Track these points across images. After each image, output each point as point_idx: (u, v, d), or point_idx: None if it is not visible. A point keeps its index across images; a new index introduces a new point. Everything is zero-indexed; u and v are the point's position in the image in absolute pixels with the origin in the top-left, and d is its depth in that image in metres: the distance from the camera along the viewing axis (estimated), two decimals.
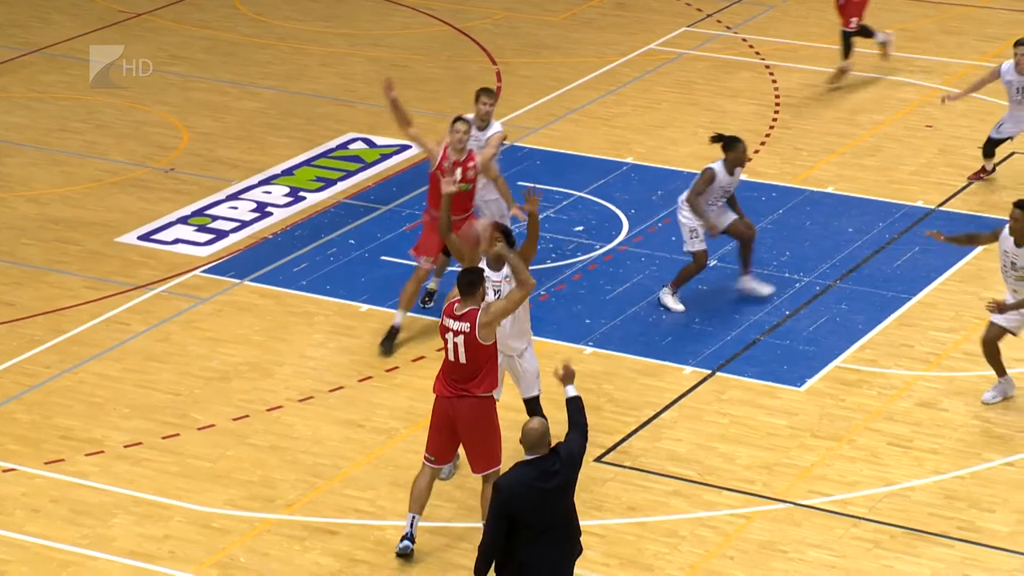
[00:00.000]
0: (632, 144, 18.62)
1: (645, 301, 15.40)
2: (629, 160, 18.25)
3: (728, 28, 21.90)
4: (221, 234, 16.74)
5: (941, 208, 17.00)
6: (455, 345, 11.47)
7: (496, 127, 15.23)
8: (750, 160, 16.85)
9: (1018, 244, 13.26)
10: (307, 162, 18.33)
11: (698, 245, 15.22)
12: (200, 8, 22.94)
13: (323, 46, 21.68)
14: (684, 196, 15.19)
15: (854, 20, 19.53)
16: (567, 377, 10.46)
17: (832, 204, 17.19)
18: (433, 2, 23.01)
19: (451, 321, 11.51)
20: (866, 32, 19.70)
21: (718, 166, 15.17)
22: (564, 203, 17.25)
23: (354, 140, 18.89)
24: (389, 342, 14.61)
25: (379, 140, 18.83)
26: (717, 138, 15.24)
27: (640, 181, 17.77)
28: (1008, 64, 17.04)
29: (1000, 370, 13.62)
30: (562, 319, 15.06)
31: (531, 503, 9.87)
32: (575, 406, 10.32)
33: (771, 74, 20.42)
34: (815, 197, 17.35)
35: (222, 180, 17.90)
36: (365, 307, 15.34)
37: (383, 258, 16.21)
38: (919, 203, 17.10)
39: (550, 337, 14.72)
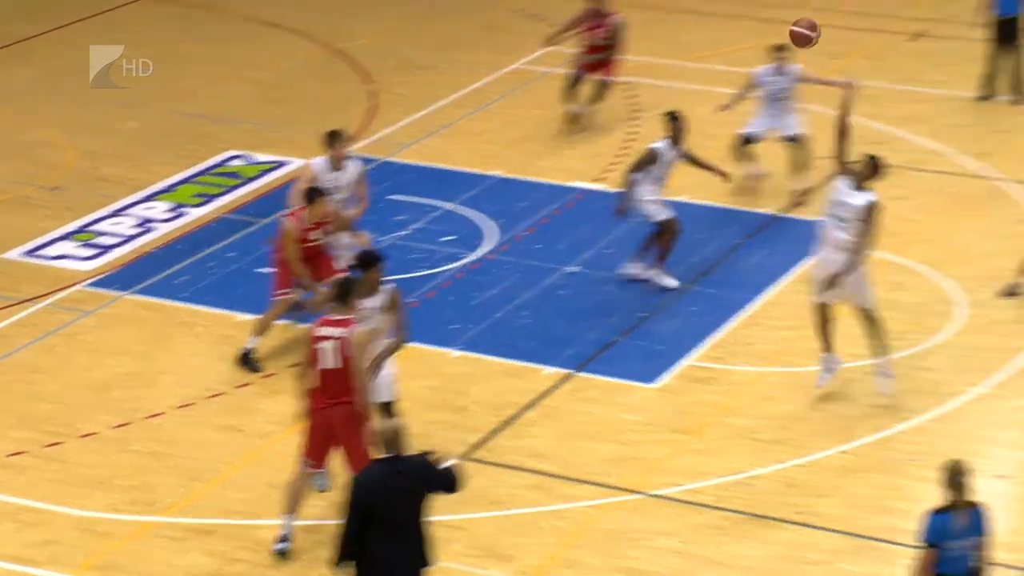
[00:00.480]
0: (499, 158, 18.61)
1: (511, 306, 15.39)
2: (496, 173, 18.24)
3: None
4: (105, 249, 16.52)
5: (787, 215, 17.11)
6: (328, 352, 11.37)
7: (353, 167, 14.86)
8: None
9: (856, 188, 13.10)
10: (188, 179, 18.16)
11: (665, 214, 15.23)
12: (84, 33, 22.64)
13: (204, 67, 21.48)
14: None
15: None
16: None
17: (685, 212, 17.21)
18: (311, 25, 22.88)
19: (326, 329, 11.41)
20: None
21: (661, 144, 15.48)
22: (435, 215, 17.21)
23: (234, 157, 18.74)
24: (249, 364, 14.37)
25: (258, 157, 18.70)
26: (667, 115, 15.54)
27: (506, 193, 17.76)
28: (765, 67, 17.17)
29: (824, 345, 13.60)
30: (431, 325, 15.00)
31: (383, 498, 9.81)
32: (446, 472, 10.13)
33: (629, 89, 20.47)
34: (670, 205, 17.36)
35: (106, 197, 17.68)
36: (243, 317, 15.20)
37: (260, 270, 16.08)
38: (767, 210, 17.22)
39: (420, 342, 14.64)
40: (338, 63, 21.68)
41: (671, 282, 15.58)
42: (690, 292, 15.60)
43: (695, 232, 16.73)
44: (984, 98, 19.80)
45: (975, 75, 20.14)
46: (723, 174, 16.20)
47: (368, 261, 12.23)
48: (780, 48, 17.21)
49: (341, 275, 12.31)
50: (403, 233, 16.76)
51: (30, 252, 16.51)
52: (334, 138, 14.82)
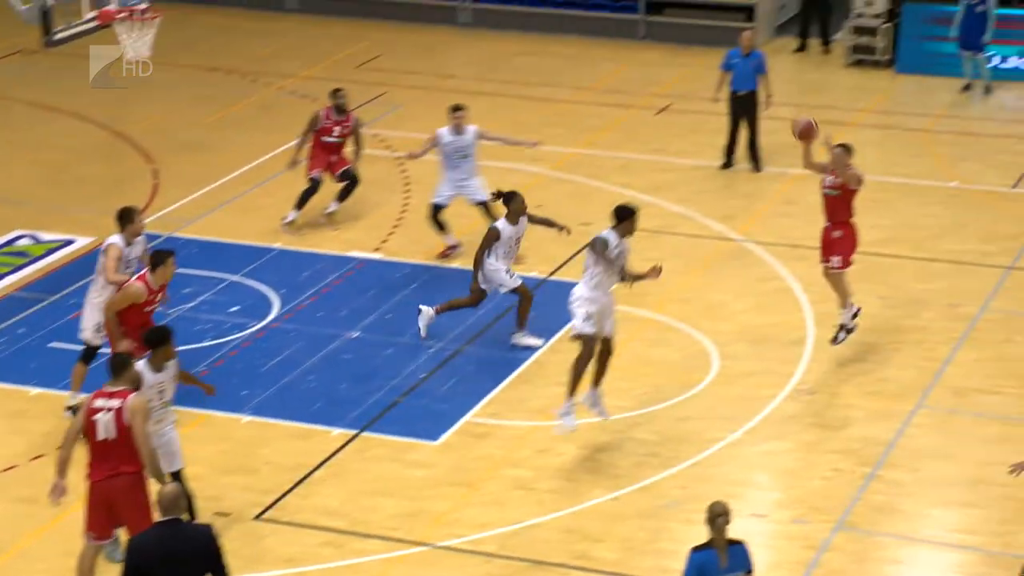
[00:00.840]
0: (280, 231, 18.59)
1: (297, 371, 15.40)
2: (277, 245, 18.23)
3: (363, 124, 22.04)
4: None
5: (552, 278, 17.43)
6: (104, 423, 11.25)
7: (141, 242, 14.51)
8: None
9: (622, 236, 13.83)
10: None
11: (515, 282, 15.64)
12: None
13: None
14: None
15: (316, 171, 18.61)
16: None
17: (459, 278, 17.39)
18: (91, 109, 22.59)
19: (100, 400, 11.30)
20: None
21: (501, 223, 15.59)
22: (220, 287, 17.13)
23: (21, 237, 18.40)
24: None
25: (44, 236, 18.39)
26: (497, 195, 15.62)
27: (288, 264, 17.76)
28: (445, 129, 17.54)
29: (571, 390, 13.80)
30: (221, 392, 14.84)
31: (159, 563, 9.68)
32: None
33: (401, 167, 20.67)
34: (443, 272, 17.60)
35: None
36: (35, 391, 14.93)
37: (51, 345, 15.81)
38: (533, 274, 17.51)
39: (211, 409, 14.57)
40: (119, 145, 21.46)
41: (533, 341, 15.81)
42: (466, 353, 15.79)
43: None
44: (725, 166, 20.46)
45: (717, 145, 20.83)
46: (564, 228, 16.33)
47: (157, 339, 12.09)
48: (456, 108, 17.51)
49: (118, 351, 12.13)
50: (191, 305, 16.65)
51: None
52: (126, 216, 14.45)
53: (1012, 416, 14.50)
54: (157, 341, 12.03)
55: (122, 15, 19.09)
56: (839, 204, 15.22)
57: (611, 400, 14.35)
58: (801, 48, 25.07)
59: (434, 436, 14.31)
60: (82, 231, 18.42)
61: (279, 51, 25.47)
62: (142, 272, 13.82)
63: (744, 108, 20.14)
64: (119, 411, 11.24)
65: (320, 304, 16.82)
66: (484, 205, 17.65)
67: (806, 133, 14.93)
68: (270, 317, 16.50)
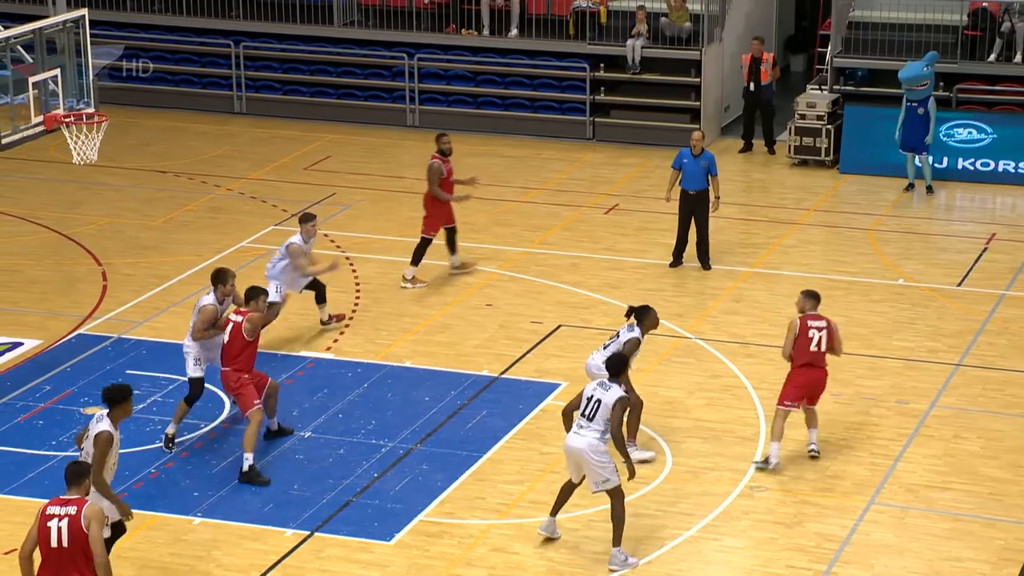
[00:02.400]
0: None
1: None
2: None
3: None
4: None
5: (504, 376, 17.49)
6: (58, 530, 11.16)
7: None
8: None
9: None
10: None
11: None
12: None
13: None
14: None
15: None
16: None
17: (410, 377, 17.50)
18: (40, 212, 22.57)
19: (56, 508, 11.26)
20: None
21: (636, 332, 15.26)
22: (171, 388, 17.05)
23: None
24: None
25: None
26: (630, 311, 15.43)
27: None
28: (297, 236, 18.00)
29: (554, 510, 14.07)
30: (172, 494, 14.83)
31: None
32: None
33: (351, 264, 20.74)
34: (395, 371, 17.63)
35: None
36: None
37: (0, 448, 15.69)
38: (484, 372, 17.57)
39: (161, 511, 14.46)
40: (68, 247, 21.41)
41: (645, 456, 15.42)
42: (418, 451, 15.77)
43: (421, 394, 16.97)
44: (675, 265, 20.62)
45: (665, 244, 21.03)
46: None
47: (120, 396, 12.65)
48: (305, 218, 18.02)
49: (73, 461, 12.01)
50: (141, 406, 16.55)
51: None
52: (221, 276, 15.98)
53: (963, 512, 14.60)
54: (120, 398, 12.61)
55: (69, 119, 19.16)
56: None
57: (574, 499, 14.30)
58: (746, 148, 25.41)
59: (388, 536, 14.25)
60: (30, 333, 18.33)
61: (228, 153, 25.58)
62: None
63: (694, 207, 20.36)
64: (74, 519, 11.19)
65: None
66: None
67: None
68: (221, 417, 16.43)
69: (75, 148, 19.33)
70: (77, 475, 11.43)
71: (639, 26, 25.81)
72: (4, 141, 18.83)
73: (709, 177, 20.25)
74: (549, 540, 14.07)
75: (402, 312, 19.19)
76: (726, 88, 26.25)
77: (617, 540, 13.71)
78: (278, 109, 27.34)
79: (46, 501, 11.48)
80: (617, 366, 13.95)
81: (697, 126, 25.49)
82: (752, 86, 25.05)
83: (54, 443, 15.85)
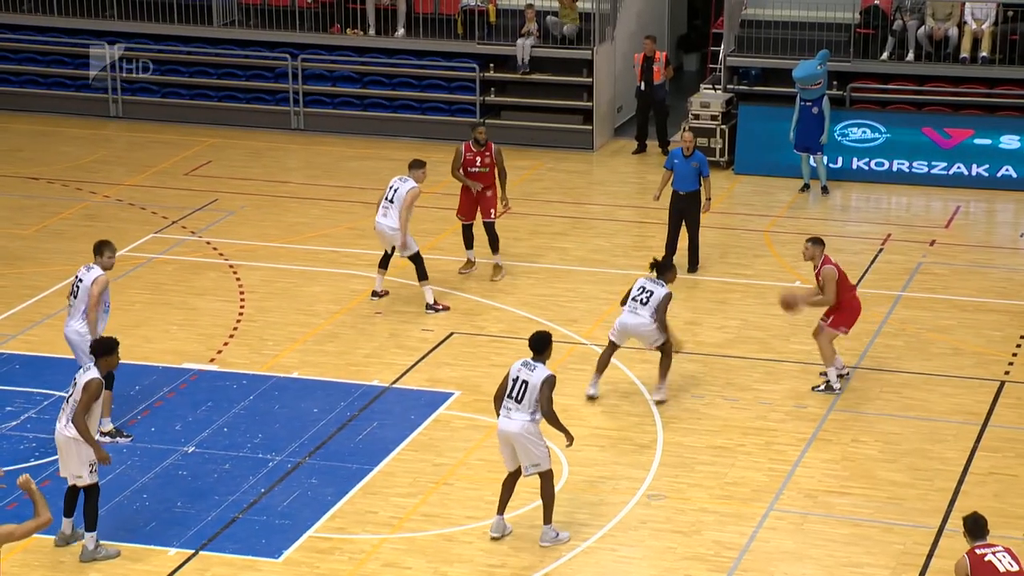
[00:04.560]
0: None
1: (130, 489, 15.18)
2: None
3: (192, 233, 21.99)
4: None
5: (395, 385, 17.45)
6: None
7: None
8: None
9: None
10: None
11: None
12: None
13: None
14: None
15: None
16: None
17: (298, 388, 17.41)
18: None
19: None
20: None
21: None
22: (45, 403, 16.83)
23: None
24: None
25: None
26: (654, 265, 17.06)
27: (118, 377, 17.46)
28: (413, 182, 19.18)
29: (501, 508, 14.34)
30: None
31: None
32: None
33: (235, 272, 20.59)
34: (282, 383, 17.52)
35: None
36: None
37: None
38: (375, 382, 17.52)
39: (37, 533, 14.24)
40: None
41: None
42: (307, 465, 15.69)
43: (310, 406, 16.89)
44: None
45: (559, 248, 21.06)
46: None
47: (104, 349, 14.31)
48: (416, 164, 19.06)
49: None
50: (14, 423, 16.31)
51: None
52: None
53: (862, 517, 14.80)
54: (106, 351, 14.28)
55: None
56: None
57: (460, 509, 14.34)
58: (640, 149, 25.58)
59: (276, 553, 14.16)
60: None
61: (104, 158, 25.29)
62: None
63: (684, 209, 20.37)
64: None
65: (152, 419, 16.62)
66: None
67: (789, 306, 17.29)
68: (100, 433, 16.21)
69: None
70: None
71: (529, 25, 25.90)
72: None
73: (700, 178, 20.30)
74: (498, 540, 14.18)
75: (289, 321, 19.08)
76: (618, 88, 26.42)
77: (548, 518, 14.15)
78: (155, 112, 27.08)
79: None
80: (540, 344, 14.28)
81: (589, 126, 25.71)
82: (645, 86, 25.23)
83: None
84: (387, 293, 19.71)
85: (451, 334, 18.75)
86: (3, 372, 17.55)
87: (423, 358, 18.11)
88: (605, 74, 26.05)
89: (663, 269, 16.99)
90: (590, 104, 25.86)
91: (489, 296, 19.85)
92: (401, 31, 26.68)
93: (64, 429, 14.03)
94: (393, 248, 19.48)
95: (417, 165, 19.56)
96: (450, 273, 20.53)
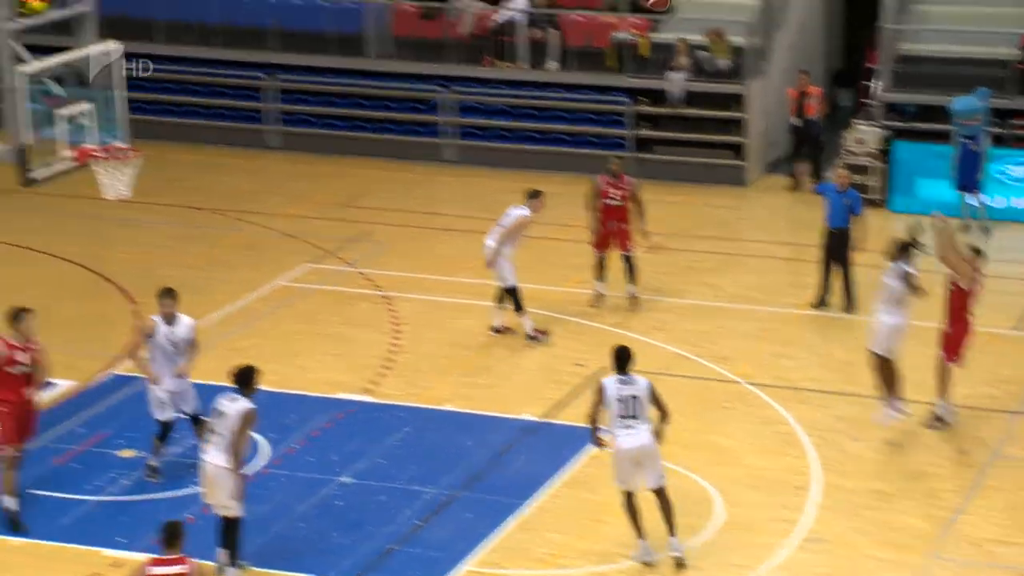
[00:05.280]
0: (267, 373, 18.47)
1: (287, 519, 15.30)
2: (264, 388, 18.11)
3: (347, 264, 22.19)
4: None
5: (546, 420, 17.42)
6: None
7: (186, 319, 16.09)
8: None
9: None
10: None
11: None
12: None
13: None
14: None
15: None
16: None
17: (451, 420, 17.46)
18: (72, 248, 22.62)
19: (159, 568, 11.97)
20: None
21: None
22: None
23: None
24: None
25: None
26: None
27: (276, 407, 17.66)
28: (524, 209, 19.25)
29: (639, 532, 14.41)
30: (209, 542, 14.77)
31: None
32: None
33: (388, 304, 20.73)
34: (436, 415, 17.58)
35: None
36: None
37: (29, 490, 15.65)
38: (526, 416, 17.51)
39: (197, 556, 14.39)
40: (99, 285, 21.45)
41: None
42: (462, 499, 15.71)
43: (463, 438, 16.92)
44: (820, 305, 20.29)
45: (712, 284, 20.95)
46: None
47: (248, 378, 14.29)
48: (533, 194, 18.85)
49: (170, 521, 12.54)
50: (179, 450, 16.54)
51: None
52: (166, 295, 16.15)
53: None
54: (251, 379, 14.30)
55: (101, 154, 19.18)
56: (952, 300, 16.90)
57: (614, 546, 14.25)
58: (794, 186, 25.35)
59: None
60: (62, 374, 18.31)
61: (262, 189, 25.64)
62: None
63: (835, 246, 20.13)
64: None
65: (310, 449, 16.75)
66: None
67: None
68: (259, 464, 16.38)
69: (107, 183, 19.38)
70: (175, 535, 12.18)
71: (680, 59, 25.80)
72: (36, 176, 18.92)
73: (852, 216, 20.06)
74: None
75: (442, 353, 19.16)
76: (771, 123, 26.21)
77: (675, 529, 14.28)
78: (313, 144, 27.40)
79: (145, 558, 12.30)
80: (627, 357, 14.51)
81: (742, 162, 25.55)
82: (799, 121, 25.00)
83: (90, 487, 15.85)
84: (508, 330, 19.52)
85: (602, 369, 18.66)
86: None
87: (575, 392, 18.06)
88: (758, 109, 25.87)
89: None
90: (742, 139, 25.69)
91: (640, 332, 19.75)
92: (553, 64, 26.73)
93: (215, 459, 14.10)
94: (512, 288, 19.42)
95: (533, 195, 19.55)
96: (604, 307, 20.49)
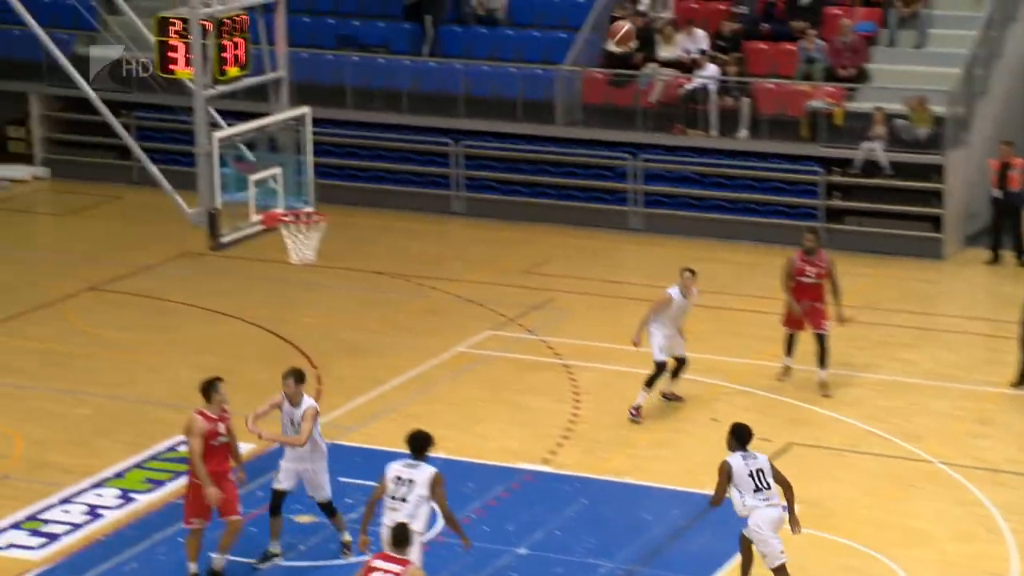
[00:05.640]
0: (444, 440, 18.53)
1: None
2: (441, 455, 18.16)
3: (529, 331, 22.19)
4: (54, 538, 16.24)
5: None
6: None
7: (308, 402, 15.60)
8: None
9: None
10: (137, 464, 18.00)
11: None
12: (33, 323, 22.65)
13: (150, 354, 21.47)
14: None
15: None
16: None
17: (631, 493, 17.27)
18: (256, 312, 23.00)
19: (381, 562, 12.48)
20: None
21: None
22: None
23: (182, 443, 18.53)
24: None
25: None
26: None
27: (451, 474, 17.59)
28: (674, 288, 18.51)
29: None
30: None
31: None
32: None
33: (569, 372, 20.66)
34: (615, 487, 17.41)
35: (54, 485, 17.41)
36: None
37: (211, 554, 15.83)
38: (709, 490, 17.21)
39: None
40: (282, 348, 21.75)
41: None
42: (638, 574, 15.49)
43: (643, 512, 16.72)
44: (1018, 385, 19.79)
45: (907, 360, 20.49)
46: None
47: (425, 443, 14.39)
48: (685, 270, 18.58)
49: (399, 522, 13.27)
50: (354, 515, 16.59)
51: None
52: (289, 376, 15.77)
53: None
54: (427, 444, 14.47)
55: (288, 218, 19.48)
56: None
57: None
58: (994, 260, 24.74)
59: None
60: (244, 437, 18.50)
61: (446, 254, 25.83)
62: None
63: None
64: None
65: (485, 518, 16.69)
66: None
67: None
68: (433, 532, 16.35)
69: (293, 247, 19.67)
70: (402, 539, 12.88)
71: (877, 128, 25.40)
72: (224, 240, 19.27)
73: None
74: None
75: (623, 424, 18.99)
76: (972, 195, 25.63)
77: None
78: (497, 210, 27.55)
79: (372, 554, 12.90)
80: (746, 434, 14.60)
81: (939, 234, 25.04)
82: (1001, 193, 24.44)
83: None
84: (678, 398, 19.36)
85: (789, 444, 18.35)
86: (345, 465, 17.86)
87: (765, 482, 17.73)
88: (958, 179, 25.32)
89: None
90: (941, 210, 25.16)
91: (830, 407, 19.37)
92: (744, 132, 26.54)
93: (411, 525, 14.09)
94: (679, 360, 19.14)
95: (685, 272, 19.13)
96: (791, 382, 20.18)
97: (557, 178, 27.39)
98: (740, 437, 14.53)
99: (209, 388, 15.22)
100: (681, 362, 19.38)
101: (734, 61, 26.85)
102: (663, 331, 18.93)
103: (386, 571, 12.33)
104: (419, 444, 14.41)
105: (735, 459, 14.38)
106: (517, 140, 27.63)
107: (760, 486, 14.27)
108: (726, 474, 14.32)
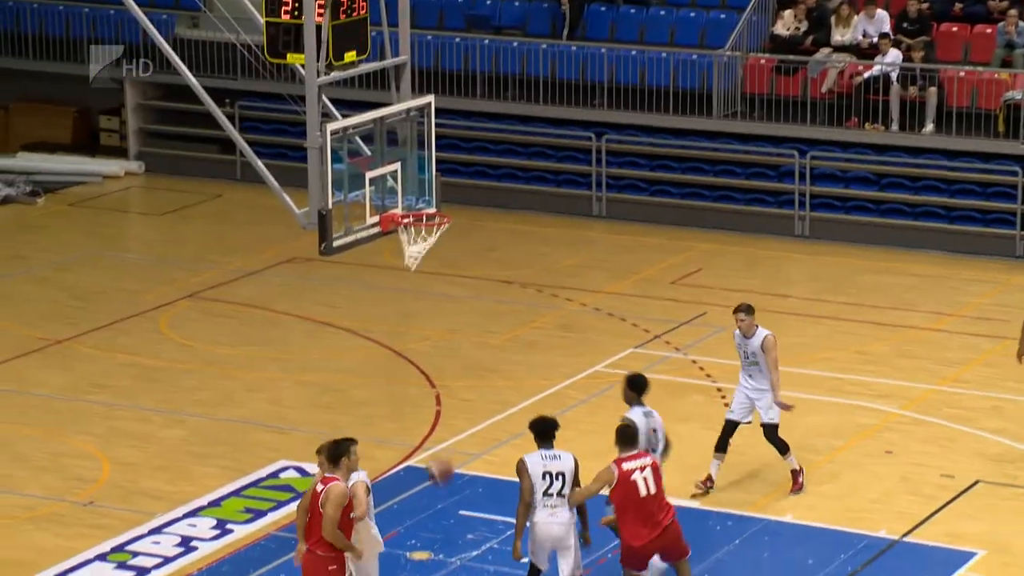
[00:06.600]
0: (581, 468, 18.68)
1: None
2: None
3: (677, 349, 22.28)
4: (143, 572, 16.61)
5: (905, 539, 17.11)
6: (643, 480, 14.81)
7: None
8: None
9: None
10: (235, 492, 18.34)
11: None
12: (125, 333, 23.20)
13: (252, 371, 21.88)
14: None
15: None
16: None
17: (791, 534, 17.30)
18: (370, 324, 23.33)
19: (631, 462, 14.86)
20: None
21: None
22: (509, 533, 17.22)
23: (285, 468, 18.94)
24: None
25: (311, 468, 18.84)
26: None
27: (591, 505, 17.78)
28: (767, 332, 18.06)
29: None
30: None
31: None
32: None
33: (722, 396, 20.71)
34: (773, 527, 17.45)
35: (144, 514, 17.82)
36: None
37: None
38: (881, 533, 17.22)
39: None
40: (399, 364, 22.04)
41: None
42: None
43: (803, 555, 16.74)
44: None
45: None
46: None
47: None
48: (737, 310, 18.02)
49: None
50: (475, 553, 16.82)
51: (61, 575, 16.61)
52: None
53: None
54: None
55: (407, 220, 19.64)
56: None
57: None
58: None
59: None
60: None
61: (583, 262, 26.00)
62: None
63: None
64: (653, 465, 14.81)
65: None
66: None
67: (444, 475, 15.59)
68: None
69: (409, 252, 19.84)
70: (630, 436, 15.01)
71: None
72: (336, 244, 19.49)
73: None
74: None
75: (779, 455, 18.99)
76: None
77: None
78: (642, 212, 27.68)
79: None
80: None
81: None
82: None
83: None
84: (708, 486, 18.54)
85: (976, 482, 18.27)
86: (466, 496, 18.10)
87: (941, 508, 17.70)
88: None
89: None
90: None
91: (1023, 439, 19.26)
92: (930, 127, 26.42)
93: (562, 518, 15.14)
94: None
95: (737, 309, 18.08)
96: (970, 409, 20.05)
97: (712, 177, 27.47)
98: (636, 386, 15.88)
99: (345, 453, 14.50)
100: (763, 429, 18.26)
101: (920, 46, 26.72)
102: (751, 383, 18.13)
103: (642, 467, 14.72)
104: (550, 430, 15.17)
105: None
106: (667, 135, 27.74)
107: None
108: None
